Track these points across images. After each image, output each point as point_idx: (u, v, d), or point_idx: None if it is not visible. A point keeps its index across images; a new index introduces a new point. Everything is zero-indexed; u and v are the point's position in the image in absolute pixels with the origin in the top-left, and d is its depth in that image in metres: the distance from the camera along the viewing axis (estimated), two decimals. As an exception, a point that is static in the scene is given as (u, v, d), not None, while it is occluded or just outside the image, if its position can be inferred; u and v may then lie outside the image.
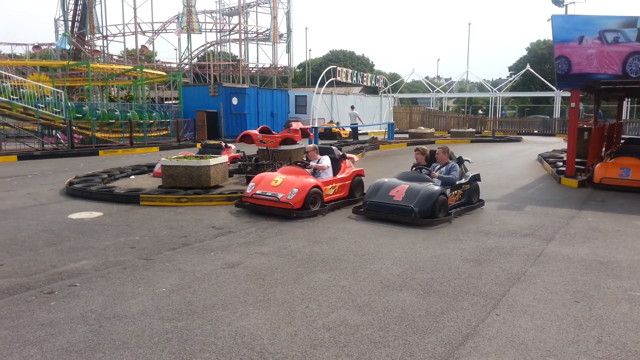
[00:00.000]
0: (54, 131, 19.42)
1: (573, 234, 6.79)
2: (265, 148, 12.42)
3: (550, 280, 4.90)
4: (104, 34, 37.98)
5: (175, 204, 8.45)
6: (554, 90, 37.79)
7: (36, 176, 12.13)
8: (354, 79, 22.48)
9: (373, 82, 24.82)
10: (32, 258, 5.52)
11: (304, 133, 13.98)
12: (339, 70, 21.02)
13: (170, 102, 31.28)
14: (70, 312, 4.06)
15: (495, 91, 43.68)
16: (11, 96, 17.32)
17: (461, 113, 48.13)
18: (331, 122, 28.04)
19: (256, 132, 12.69)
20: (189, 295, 4.44)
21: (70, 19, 36.06)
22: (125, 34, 37.81)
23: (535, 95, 47.86)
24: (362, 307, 4.20)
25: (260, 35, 40.27)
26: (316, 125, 20.55)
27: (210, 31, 40.21)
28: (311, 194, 7.62)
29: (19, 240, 6.25)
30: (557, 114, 38.05)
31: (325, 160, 8.66)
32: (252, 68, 41.92)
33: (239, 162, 12.31)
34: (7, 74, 18.70)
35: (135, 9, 35.33)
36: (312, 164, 8.61)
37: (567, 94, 13.49)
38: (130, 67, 28.11)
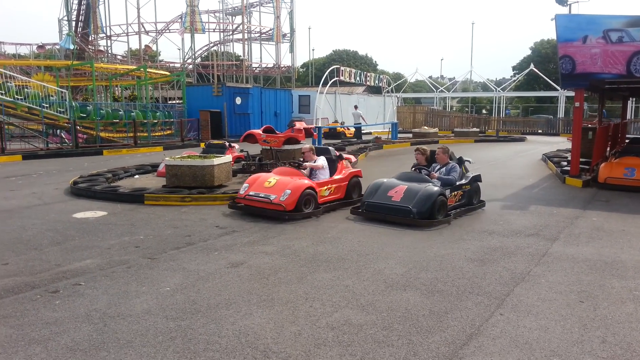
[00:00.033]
0: (58, 131, 19.50)
1: (577, 233, 6.77)
2: (268, 148, 12.45)
3: (555, 280, 4.89)
4: (108, 33, 38.09)
5: (179, 204, 8.47)
6: (558, 90, 37.74)
7: (41, 175, 12.17)
8: (358, 78, 22.51)
9: (376, 81, 24.84)
10: (37, 257, 5.54)
11: (308, 133, 14.01)
12: (342, 70, 21.05)
13: (174, 101, 31.33)
14: (75, 311, 4.07)
15: (499, 91, 43.62)
16: (16, 96, 17.39)
17: (465, 113, 48.05)
18: (336, 121, 28.04)
19: (260, 131, 12.72)
20: (193, 294, 4.45)
21: (74, 19, 36.19)
22: (129, 33, 37.92)
23: (539, 94, 47.80)
24: (365, 306, 4.20)
25: (264, 35, 40.27)
26: (320, 125, 20.56)
27: (214, 31, 40.25)
28: (304, 195, 7.50)
29: (24, 239, 6.27)
30: (561, 113, 37.99)
31: (321, 161, 8.50)
32: (256, 68, 41.93)
33: (243, 162, 12.35)
34: (11, 73, 18.78)
35: (138, 9, 35.39)
36: (307, 164, 8.47)
37: (571, 93, 13.45)
38: (134, 67, 28.19)
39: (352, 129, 25.80)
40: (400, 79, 53.43)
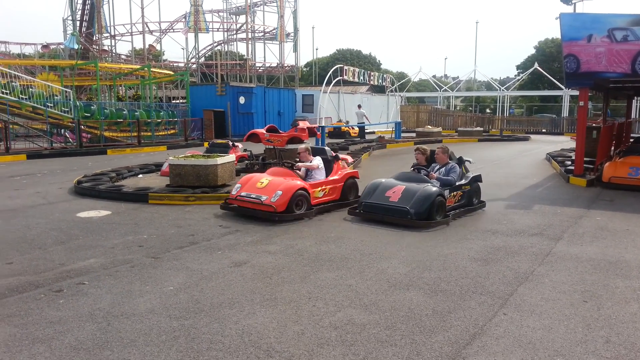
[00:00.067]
0: (62, 130, 19.57)
1: (581, 233, 6.75)
2: (272, 147, 12.45)
3: (559, 280, 4.88)
4: (112, 33, 38.19)
5: (183, 203, 8.48)
6: (562, 89, 37.57)
7: (45, 175, 12.22)
8: (361, 77, 22.45)
9: (380, 81, 24.77)
10: (41, 256, 5.57)
11: (311, 132, 14.02)
12: (346, 69, 21.00)
13: (177, 101, 31.41)
14: (79, 310, 4.09)
15: (503, 90, 43.47)
16: (20, 95, 17.44)
17: (469, 112, 47.93)
18: (340, 121, 28.02)
19: (263, 131, 12.73)
20: (197, 293, 4.45)
21: (79, 19, 36.28)
22: (133, 33, 38.03)
23: (543, 94, 47.61)
24: (368, 306, 4.19)
25: (267, 34, 40.33)
26: (323, 125, 20.55)
27: (218, 30, 40.34)
28: (296, 196, 7.36)
29: (28, 239, 6.30)
30: (565, 112, 37.83)
31: (316, 161, 8.35)
32: (259, 67, 41.99)
33: (246, 161, 12.35)
34: (16, 73, 18.84)
35: (142, 9, 35.52)
36: (300, 164, 8.33)
37: (576, 92, 13.44)
38: (138, 67, 28.25)
39: (357, 129, 25.79)
40: (404, 78, 53.28)
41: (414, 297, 4.39)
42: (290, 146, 12.16)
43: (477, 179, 8.24)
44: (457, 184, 7.72)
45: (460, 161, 8.17)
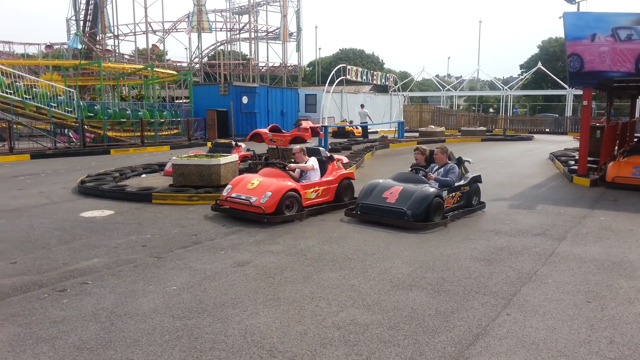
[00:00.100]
0: (66, 130, 19.62)
1: (585, 233, 6.73)
2: (275, 147, 12.47)
3: (562, 280, 4.87)
4: (115, 33, 38.24)
5: (186, 203, 8.50)
6: (565, 89, 37.52)
7: (49, 175, 12.25)
8: (364, 77, 22.47)
9: (383, 80, 24.80)
10: (44, 256, 5.58)
11: (314, 132, 14.03)
12: (348, 69, 21.03)
13: (180, 101, 31.43)
14: (82, 309, 4.10)
15: (506, 89, 43.42)
16: (24, 95, 17.50)
17: (472, 111, 47.88)
18: (344, 120, 28.03)
19: (266, 130, 12.76)
20: (200, 293, 4.46)
21: (82, 19, 36.35)
22: (136, 33, 38.06)
23: (546, 93, 47.51)
24: (371, 306, 4.19)
25: (270, 34, 40.35)
26: (326, 124, 20.56)
27: (221, 30, 40.34)
28: (286, 197, 7.19)
29: (32, 238, 6.32)
30: (569, 112, 37.75)
31: (311, 162, 8.18)
32: (262, 67, 42.00)
33: (249, 161, 12.37)
34: (20, 73, 18.90)
35: (146, 9, 35.51)
36: (293, 165, 8.18)
37: (579, 92, 13.39)
38: (141, 67, 28.30)
39: (360, 128, 25.79)
40: (407, 77, 53.29)
41: (417, 297, 4.39)
42: (293, 146, 12.17)
43: (477, 179, 8.10)
44: (455, 184, 7.59)
45: (460, 161, 8.04)
